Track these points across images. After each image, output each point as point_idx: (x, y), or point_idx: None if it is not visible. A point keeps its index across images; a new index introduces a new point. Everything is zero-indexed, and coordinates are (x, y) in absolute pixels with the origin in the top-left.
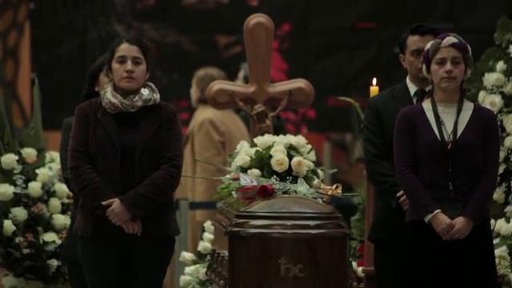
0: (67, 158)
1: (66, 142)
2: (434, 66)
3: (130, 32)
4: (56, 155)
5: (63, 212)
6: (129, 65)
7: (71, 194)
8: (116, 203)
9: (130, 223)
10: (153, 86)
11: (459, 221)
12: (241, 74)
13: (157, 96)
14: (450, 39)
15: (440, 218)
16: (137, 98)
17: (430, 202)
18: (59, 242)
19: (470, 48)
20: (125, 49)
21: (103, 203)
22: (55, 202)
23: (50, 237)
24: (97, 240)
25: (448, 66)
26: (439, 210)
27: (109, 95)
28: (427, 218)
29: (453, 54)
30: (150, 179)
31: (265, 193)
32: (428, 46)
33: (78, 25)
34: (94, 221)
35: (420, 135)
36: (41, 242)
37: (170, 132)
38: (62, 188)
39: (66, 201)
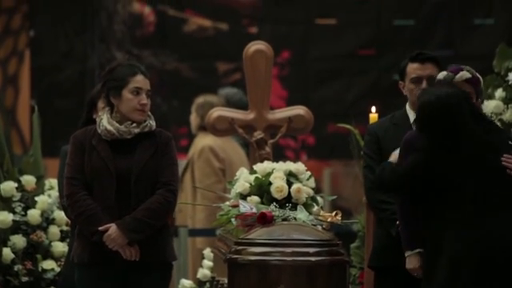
0: None
1: (64, 169)
2: None
3: (129, 59)
4: (55, 183)
5: (62, 240)
6: (144, 98)
7: (70, 221)
8: (113, 228)
9: (127, 248)
10: (149, 112)
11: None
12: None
13: (153, 123)
14: (464, 74)
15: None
16: (134, 124)
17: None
18: (58, 269)
19: (481, 80)
20: (141, 81)
21: (100, 228)
22: (54, 230)
23: (48, 264)
24: (93, 267)
25: None
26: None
27: (105, 122)
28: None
29: (466, 90)
30: (147, 204)
31: (264, 220)
32: (440, 77)
33: (78, 52)
34: (91, 248)
35: None
36: (40, 269)
37: (165, 157)
38: (61, 215)
39: (65, 228)
